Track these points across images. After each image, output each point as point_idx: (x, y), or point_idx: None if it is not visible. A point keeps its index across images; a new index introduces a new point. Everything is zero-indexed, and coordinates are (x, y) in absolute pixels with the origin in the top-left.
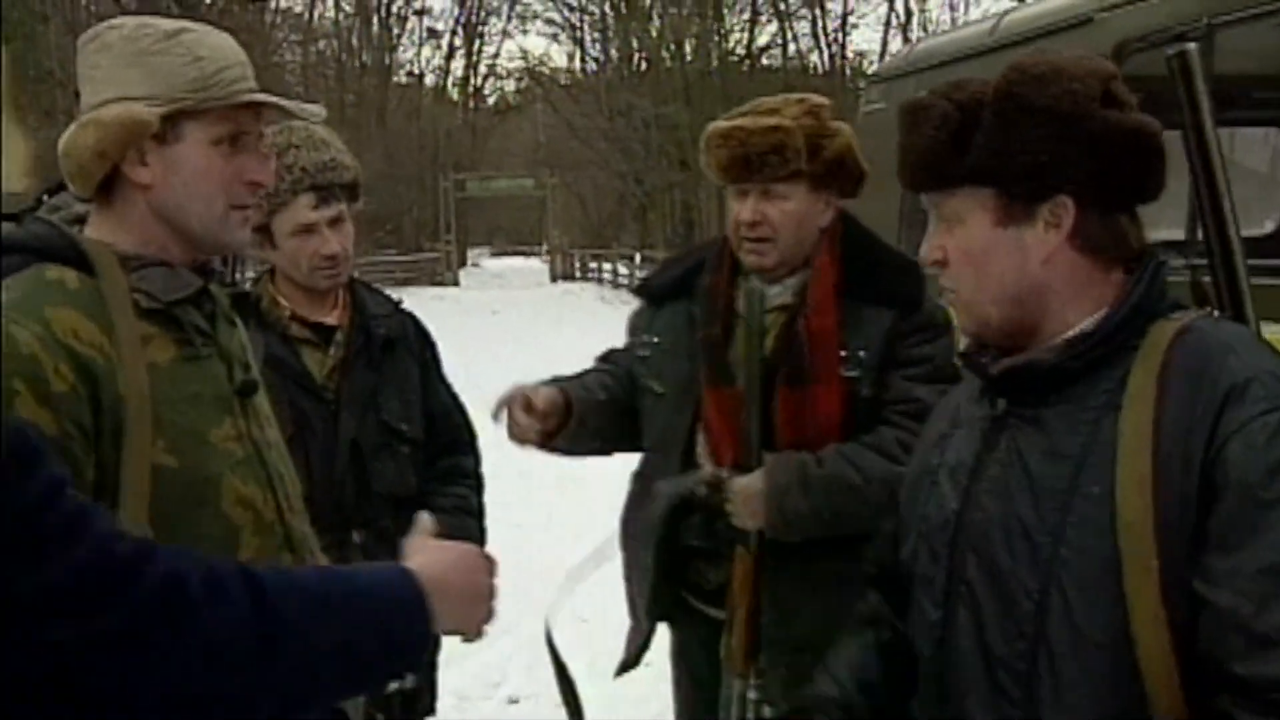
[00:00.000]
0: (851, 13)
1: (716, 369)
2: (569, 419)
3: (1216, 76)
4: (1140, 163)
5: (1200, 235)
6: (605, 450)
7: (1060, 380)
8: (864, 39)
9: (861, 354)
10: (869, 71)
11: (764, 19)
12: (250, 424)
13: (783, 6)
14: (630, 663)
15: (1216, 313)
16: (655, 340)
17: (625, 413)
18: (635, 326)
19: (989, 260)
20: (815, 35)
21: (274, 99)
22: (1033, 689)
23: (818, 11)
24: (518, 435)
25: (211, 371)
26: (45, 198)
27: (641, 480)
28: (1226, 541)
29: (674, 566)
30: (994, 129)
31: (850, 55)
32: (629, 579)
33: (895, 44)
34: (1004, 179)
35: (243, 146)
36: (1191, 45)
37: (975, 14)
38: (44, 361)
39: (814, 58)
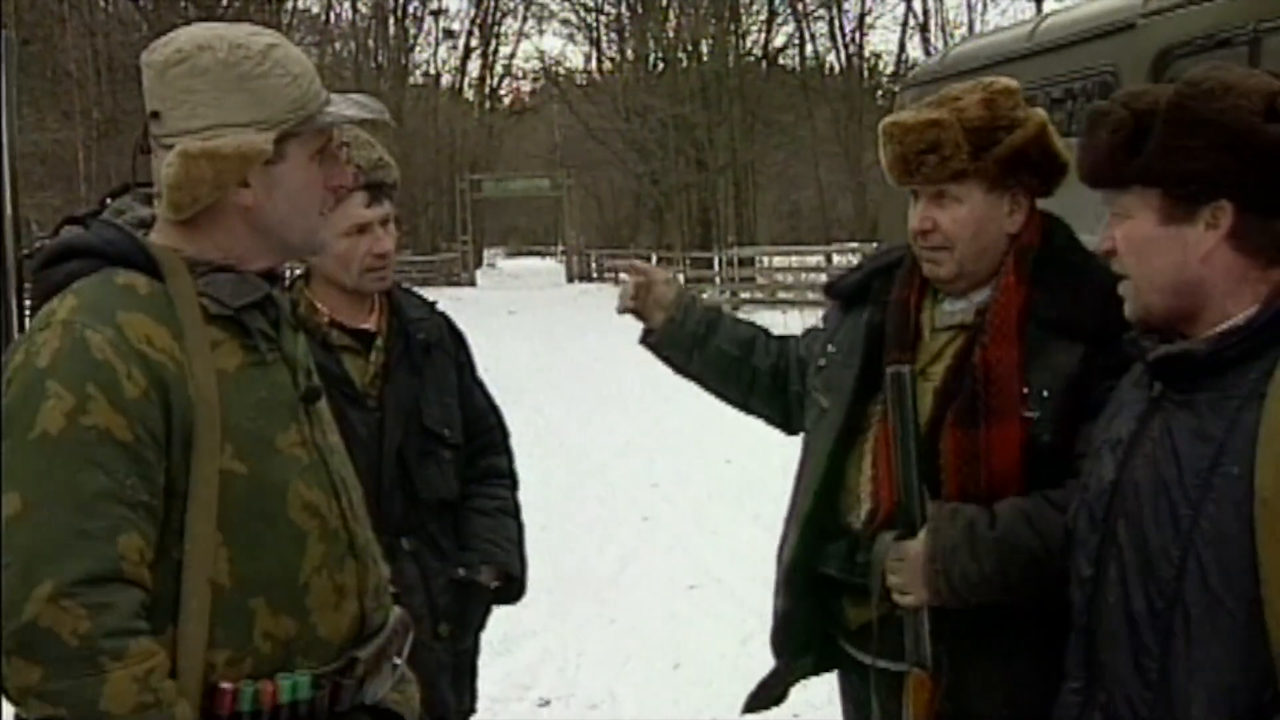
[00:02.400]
0: (869, 13)
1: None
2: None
3: None
4: None
5: None
6: (707, 387)
7: (1212, 368)
8: (881, 40)
9: (1044, 393)
10: (887, 71)
11: (781, 19)
12: (314, 430)
13: (799, 7)
14: (757, 702)
15: None
16: (832, 349)
17: (747, 383)
18: (820, 325)
19: (1152, 254)
20: (832, 36)
21: (362, 114)
22: (1169, 646)
23: (835, 12)
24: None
25: (277, 378)
26: (108, 201)
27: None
28: None
29: (814, 600)
30: (1164, 137)
31: (867, 56)
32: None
33: (913, 45)
34: (1169, 182)
35: (328, 154)
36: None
37: (993, 14)
38: (117, 367)
39: (831, 58)
